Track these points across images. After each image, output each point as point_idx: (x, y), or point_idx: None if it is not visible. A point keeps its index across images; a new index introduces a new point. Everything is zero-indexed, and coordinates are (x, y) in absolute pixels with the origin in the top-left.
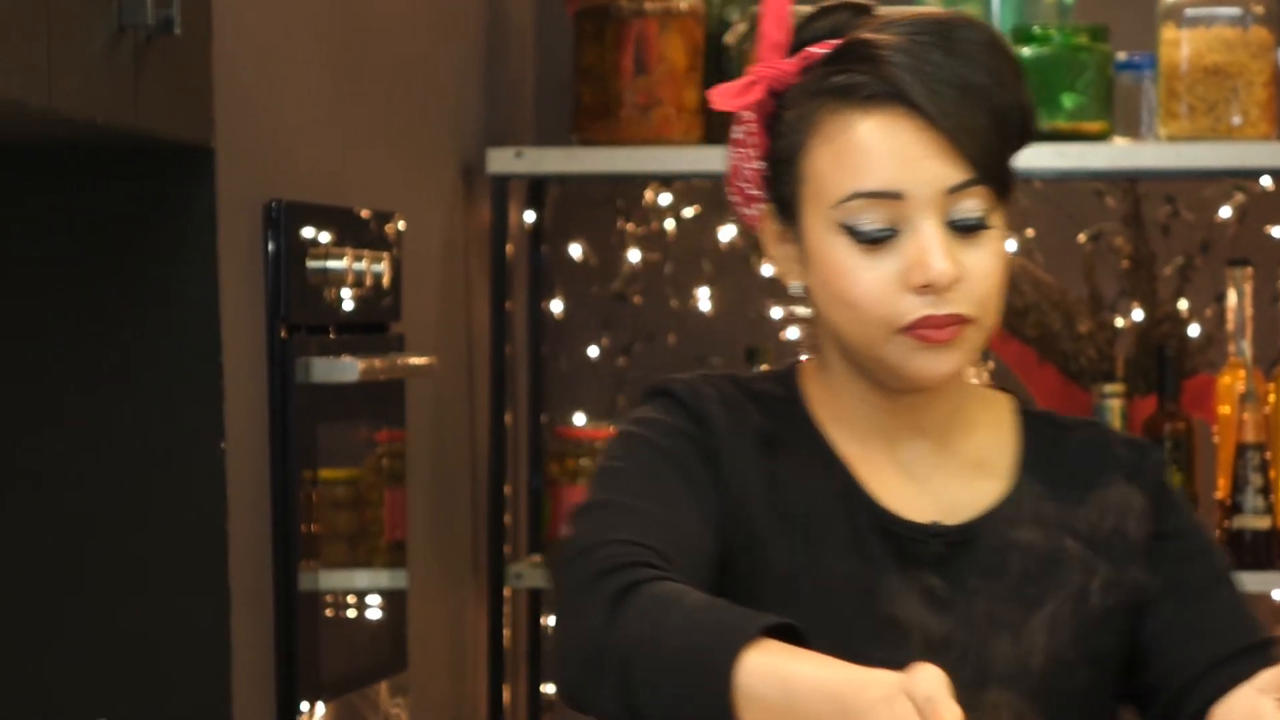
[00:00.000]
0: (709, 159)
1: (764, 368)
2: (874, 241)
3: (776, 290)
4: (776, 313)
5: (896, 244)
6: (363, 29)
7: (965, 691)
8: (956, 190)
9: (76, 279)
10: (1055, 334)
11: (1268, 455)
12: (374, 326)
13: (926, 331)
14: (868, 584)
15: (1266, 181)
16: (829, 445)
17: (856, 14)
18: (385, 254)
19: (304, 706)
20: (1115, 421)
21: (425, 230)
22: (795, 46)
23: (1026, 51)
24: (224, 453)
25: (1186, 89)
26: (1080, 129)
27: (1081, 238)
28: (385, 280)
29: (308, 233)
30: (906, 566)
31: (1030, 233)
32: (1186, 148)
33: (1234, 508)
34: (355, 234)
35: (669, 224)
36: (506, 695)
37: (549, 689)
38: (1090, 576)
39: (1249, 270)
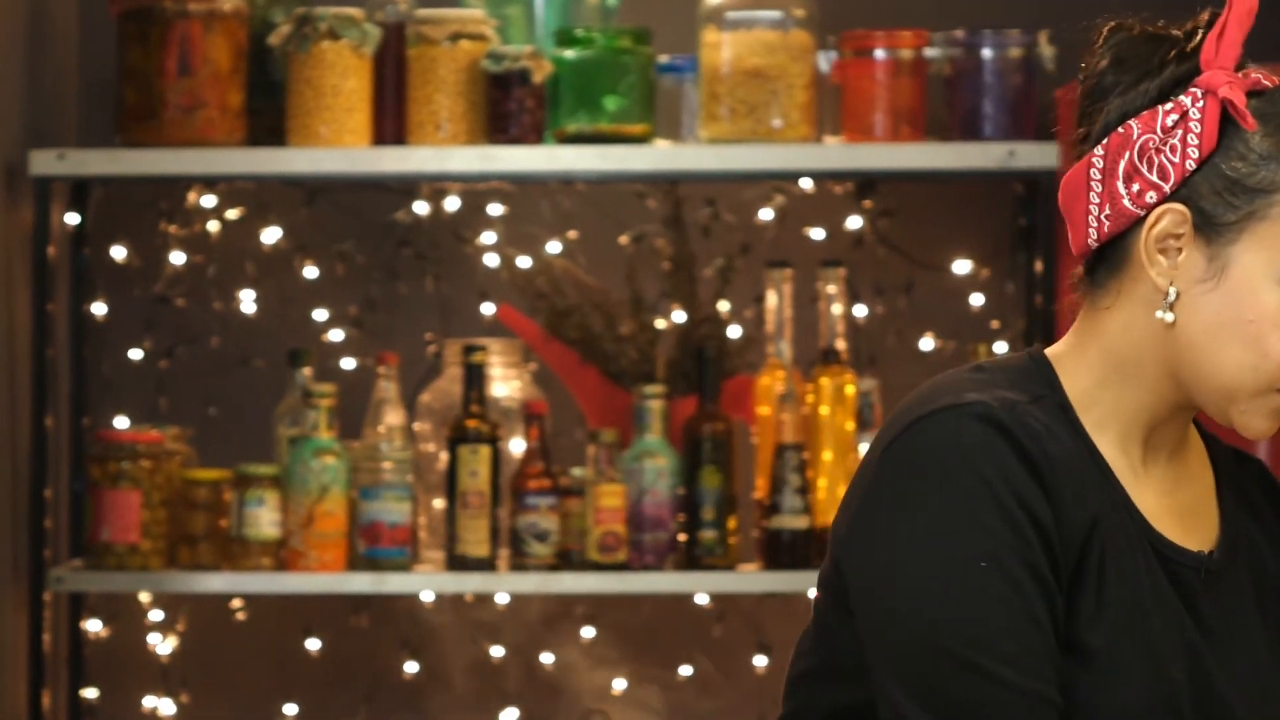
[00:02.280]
0: (252, 161)
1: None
2: None
3: (320, 292)
4: (320, 315)
5: None
6: None
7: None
8: None
9: None
10: (597, 336)
11: (806, 456)
12: None
13: None
14: (1170, 608)
15: (806, 184)
16: (1104, 459)
17: None
18: None
19: None
20: (656, 424)
21: None
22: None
23: (569, 54)
24: None
25: (728, 91)
26: (622, 131)
27: (623, 240)
28: None
29: None
30: (1178, 590)
31: (572, 235)
32: (727, 150)
33: (772, 508)
34: None
35: (212, 226)
36: (46, 700)
37: (89, 693)
38: None
39: (788, 272)
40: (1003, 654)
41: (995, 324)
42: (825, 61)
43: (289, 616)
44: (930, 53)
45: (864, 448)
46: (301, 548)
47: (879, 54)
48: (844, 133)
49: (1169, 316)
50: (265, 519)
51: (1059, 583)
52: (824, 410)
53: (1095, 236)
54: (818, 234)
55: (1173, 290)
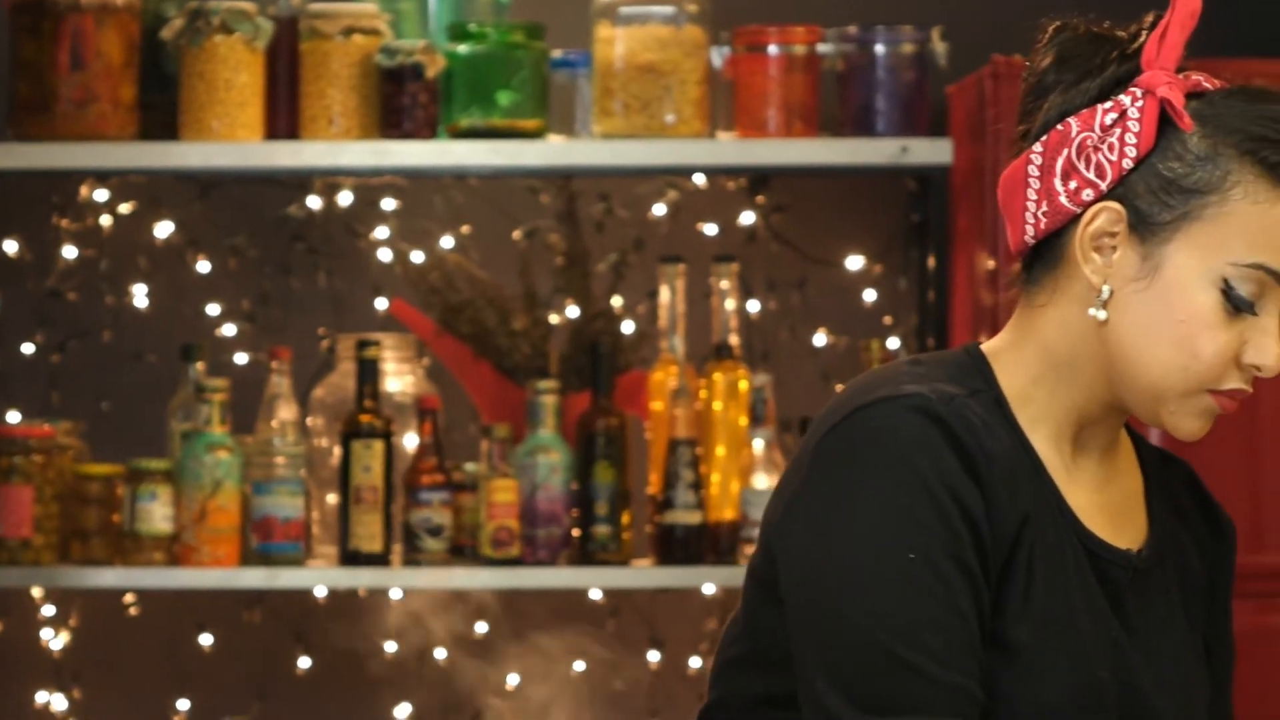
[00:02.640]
0: (145, 155)
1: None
2: (1238, 309)
3: (213, 287)
4: (213, 309)
5: (1244, 318)
6: None
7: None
8: None
9: None
10: (490, 331)
11: (699, 451)
12: None
13: (1228, 402)
14: (1097, 606)
15: (699, 179)
16: (1037, 456)
17: None
18: None
19: None
20: (549, 419)
21: None
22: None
23: (462, 49)
24: None
25: (621, 87)
26: (515, 126)
27: (516, 235)
28: None
29: None
30: (1106, 589)
31: (465, 230)
32: (620, 145)
33: (666, 503)
34: None
35: (105, 220)
36: None
37: None
38: (1207, 596)
39: (681, 267)
40: (926, 647)
41: (888, 320)
42: (718, 57)
43: (181, 612)
44: (823, 48)
45: (758, 443)
46: (194, 543)
47: (772, 49)
48: (737, 128)
49: (1102, 314)
50: (158, 514)
51: (988, 578)
52: (717, 405)
53: (1032, 233)
54: (711, 229)
55: (1106, 288)
